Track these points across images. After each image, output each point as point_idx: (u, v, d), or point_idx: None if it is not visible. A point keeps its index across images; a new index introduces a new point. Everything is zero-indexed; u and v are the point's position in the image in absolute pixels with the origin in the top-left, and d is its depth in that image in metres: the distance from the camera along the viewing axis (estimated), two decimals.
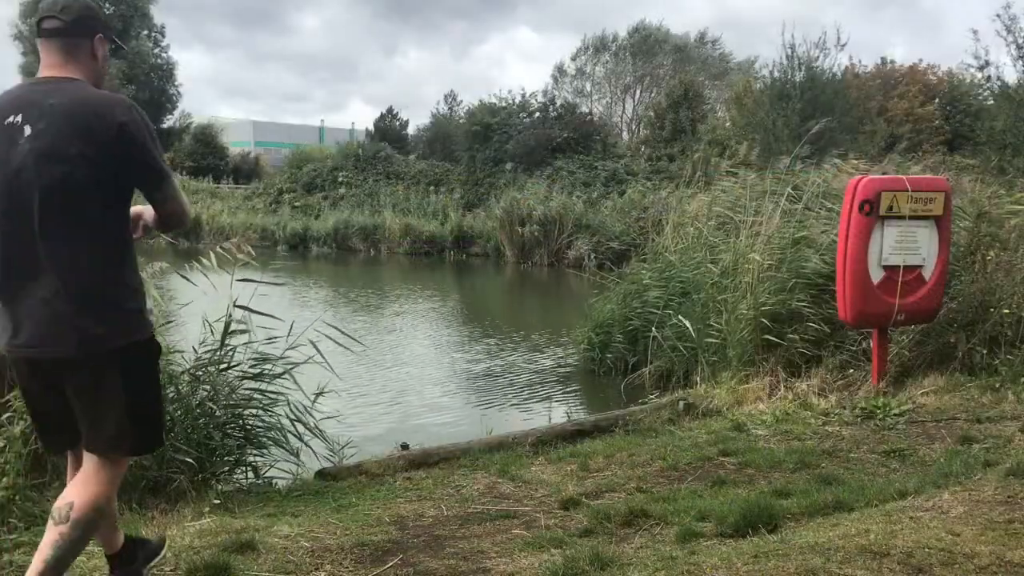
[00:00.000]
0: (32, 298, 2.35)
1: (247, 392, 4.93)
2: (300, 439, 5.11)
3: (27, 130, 2.31)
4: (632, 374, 8.52)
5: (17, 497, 3.78)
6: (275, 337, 5.13)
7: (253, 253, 5.24)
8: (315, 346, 5.11)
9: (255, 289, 5.10)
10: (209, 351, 4.89)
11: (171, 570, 3.17)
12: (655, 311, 8.47)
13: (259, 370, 4.97)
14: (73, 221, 2.33)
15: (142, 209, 2.58)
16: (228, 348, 4.93)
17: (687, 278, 8.43)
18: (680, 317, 7.94)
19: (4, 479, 3.78)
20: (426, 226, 26.32)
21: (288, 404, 5.02)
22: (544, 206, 22.67)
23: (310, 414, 5.12)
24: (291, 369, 5.06)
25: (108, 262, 2.41)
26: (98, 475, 2.45)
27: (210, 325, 4.98)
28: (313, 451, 5.23)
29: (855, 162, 10.87)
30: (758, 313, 7.03)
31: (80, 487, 2.43)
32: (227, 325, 4.88)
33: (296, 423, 5.05)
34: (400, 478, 4.88)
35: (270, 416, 4.96)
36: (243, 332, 4.97)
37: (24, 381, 2.52)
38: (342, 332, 5.35)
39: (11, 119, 2.32)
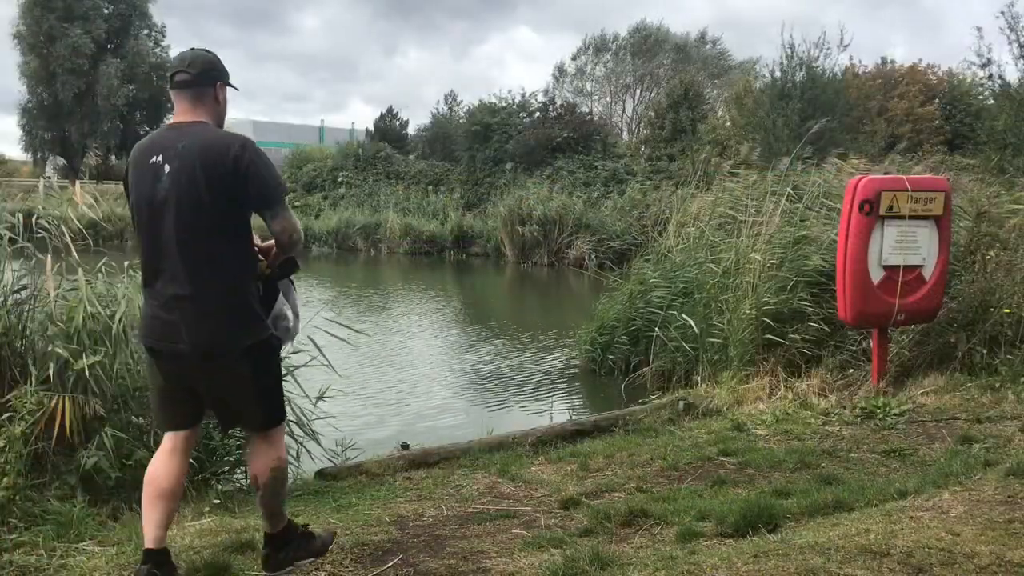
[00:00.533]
0: (175, 304, 2.82)
1: None
2: (298, 442, 5.10)
3: (166, 168, 2.80)
4: (633, 374, 8.52)
5: (17, 497, 3.78)
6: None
7: None
8: (316, 346, 5.09)
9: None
10: None
11: None
12: (657, 311, 8.46)
13: None
14: (205, 240, 2.81)
15: (271, 243, 3.01)
16: None
17: (690, 278, 8.43)
18: (684, 315, 7.92)
19: (4, 479, 3.78)
20: (426, 226, 26.31)
21: (289, 404, 5.00)
22: (544, 206, 22.66)
23: (304, 415, 5.08)
24: (293, 371, 5.03)
25: (233, 274, 2.86)
26: (262, 447, 3.00)
27: None
28: (310, 453, 5.22)
29: (856, 162, 10.85)
30: (760, 313, 7.03)
31: (255, 461, 3.02)
32: None
33: (295, 424, 5.02)
34: (400, 478, 4.88)
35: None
36: None
37: (161, 372, 2.95)
38: (344, 325, 5.32)
39: (153, 159, 2.84)
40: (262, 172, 2.85)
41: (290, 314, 3.10)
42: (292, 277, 3.14)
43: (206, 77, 2.94)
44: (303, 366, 5.11)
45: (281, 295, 3.07)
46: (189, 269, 2.79)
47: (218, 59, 3.01)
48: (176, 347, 2.83)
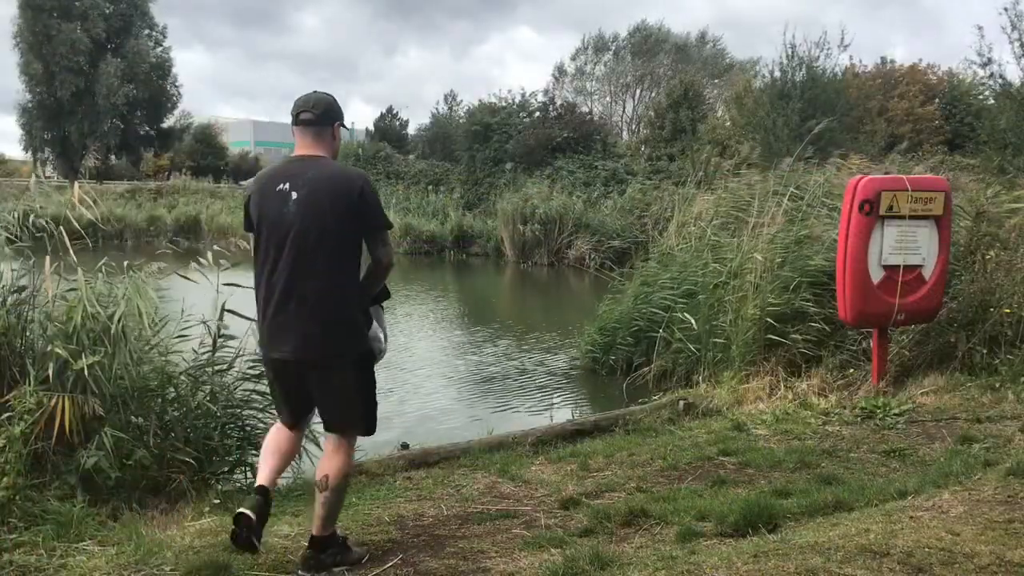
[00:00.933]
0: (296, 319, 3.19)
1: (246, 392, 4.91)
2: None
3: (294, 195, 3.19)
4: (634, 374, 8.51)
5: (17, 497, 3.78)
6: None
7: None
8: None
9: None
10: (207, 352, 4.88)
11: (171, 570, 3.17)
12: (660, 312, 8.46)
13: (258, 371, 4.94)
14: (326, 262, 3.19)
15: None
16: (223, 349, 4.90)
17: (694, 279, 8.42)
18: (687, 315, 7.91)
19: (4, 479, 3.79)
20: (426, 226, 26.31)
21: None
22: (546, 205, 22.66)
23: None
24: None
25: (345, 292, 3.25)
26: (339, 451, 3.32)
27: (207, 327, 4.95)
28: (309, 454, 5.20)
29: (857, 161, 10.84)
30: (764, 313, 7.03)
31: (328, 462, 3.30)
32: (218, 329, 4.85)
33: None
34: (400, 478, 4.88)
35: (272, 417, 4.92)
36: (232, 338, 4.93)
37: (279, 376, 3.39)
38: None
39: (281, 187, 3.22)
40: (376, 205, 3.28)
41: (382, 336, 3.48)
42: (383, 304, 3.55)
43: (326, 117, 3.34)
44: None
45: (373, 319, 3.44)
46: (307, 285, 3.19)
47: (336, 102, 3.40)
48: (292, 354, 3.24)
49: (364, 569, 3.27)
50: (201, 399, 4.65)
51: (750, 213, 8.25)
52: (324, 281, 3.19)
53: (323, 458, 3.35)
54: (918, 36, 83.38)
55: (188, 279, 5.19)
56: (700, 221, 9.38)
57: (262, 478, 3.33)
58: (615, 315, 9.15)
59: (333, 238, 3.20)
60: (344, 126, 3.45)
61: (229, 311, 4.92)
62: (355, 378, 3.31)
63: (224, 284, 4.92)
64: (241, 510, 3.14)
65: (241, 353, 4.94)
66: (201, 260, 5.18)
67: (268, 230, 3.23)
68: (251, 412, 4.92)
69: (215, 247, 5.27)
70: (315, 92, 3.36)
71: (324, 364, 3.25)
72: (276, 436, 3.47)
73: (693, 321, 7.80)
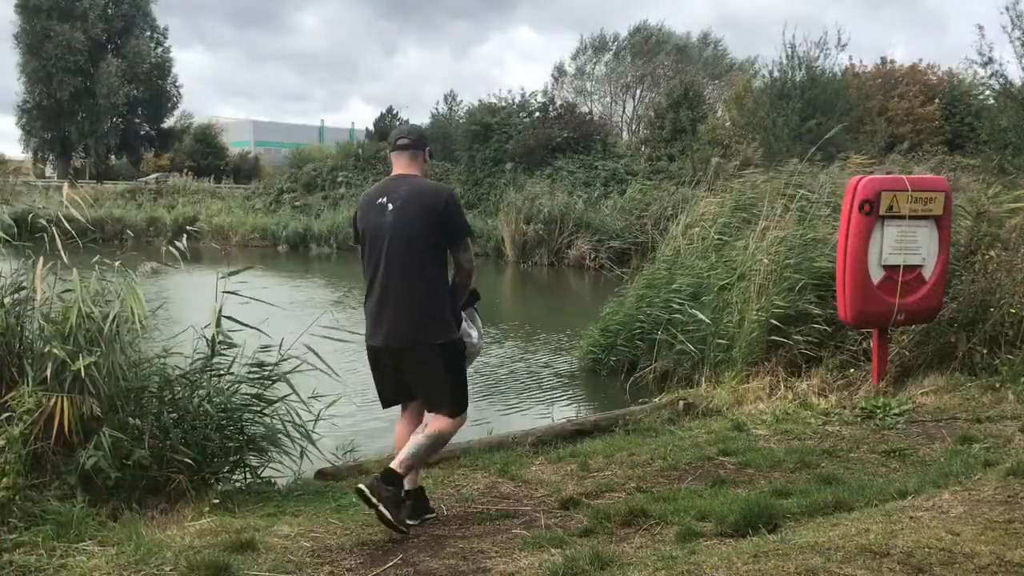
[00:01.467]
0: (391, 311, 3.74)
1: (246, 396, 4.86)
2: (292, 442, 5.04)
3: (390, 207, 3.75)
4: (635, 374, 8.50)
5: (17, 497, 3.78)
6: (268, 346, 5.05)
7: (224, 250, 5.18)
8: (311, 348, 5.03)
9: (268, 288, 5.06)
10: (201, 357, 4.82)
11: (171, 569, 3.17)
12: (662, 314, 8.44)
13: (257, 375, 4.90)
14: (416, 263, 3.72)
15: None
16: (221, 355, 4.83)
17: (699, 280, 8.40)
18: (698, 312, 7.88)
19: (4, 479, 3.78)
20: None
21: (288, 411, 4.95)
22: (551, 204, 22.66)
23: (298, 414, 5.01)
24: (287, 374, 4.95)
25: (435, 291, 3.77)
26: (439, 420, 3.78)
27: (202, 331, 4.89)
28: (308, 455, 5.18)
29: (861, 160, 10.83)
30: (769, 315, 7.03)
31: (435, 421, 3.78)
32: (215, 336, 4.77)
33: (290, 426, 4.95)
34: None
35: (273, 420, 4.89)
36: (234, 345, 4.86)
37: (377, 362, 3.89)
38: (338, 329, 5.30)
39: (380, 200, 3.81)
40: (459, 216, 3.83)
41: (474, 334, 3.97)
42: (477, 305, 4.07)
43: (420, 144, 3.98)
44: (297, 370, 5.02)
45: (466, 319, 3.95)
46: (401, 283, 3.72)
47: (425, 131, 4.23)
48: (385, 342, 3.76)
49: (364, 569, 3.27)
50: (197, 402, 4.62)
51: (756, 214, 8.24)
52: (413, 280, 3.72)
53: (430, 418, 3.85)
54: (919, 36, 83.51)
55: (174, 266, 5.08)
56: (705, 222, 9.35)
57: (396, 463, 3.72)
58: (620, 316, 9.14)
59: (421, 243, 3.71)
60: (431, 154, 4.08)
61: (228, 318, 4.83)
62: (441, 365, 3.76)
63: (224, 292, 4.84)
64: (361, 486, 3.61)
65: (238, 358, 4.89)
66: (173, 248, 5.05)
67: (370, 238, 3.80)
68: (250, 416, 4.88)
69: (180, 243, 5.10)
70: (409, 123, 4.35)
71: (413, 352, 3.76)
72: (401, 431, 3.97)
73: (706, 318, 7.73)
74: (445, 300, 3.80)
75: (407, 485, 3.77)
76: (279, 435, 4.84)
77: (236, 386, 4.83)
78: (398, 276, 3.71)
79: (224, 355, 4.84)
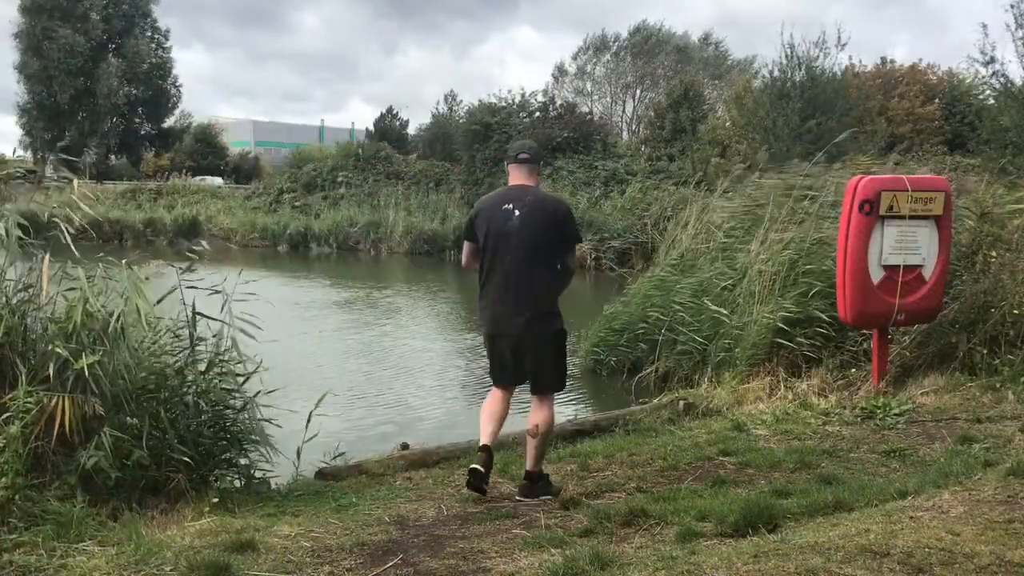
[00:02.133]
0: (512, 304, 4.29)
1: (237, 394, 4.82)
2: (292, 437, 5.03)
3: (516, 212, 4.30)
4: (638, 374, 8.48)
5: (17, 497, 3.77)
6: (275, 340, 5.04)
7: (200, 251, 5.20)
8: (310, 349, 5.03)
9: (272, 288, 5.03)
10: (185, 351, 4.79)
11: (171, 569, 3.17)
12: (666, 316, 8.43)
13: (224, 371, 4.85)
14: (538, 262, 4.29)
15: None
16: (199, 350, 4.80)
17: (705, 281, 8.39)
18: (715, 307, 7.84)
19: (4, 479, 3.78)
20: (427, 226, 26.29)
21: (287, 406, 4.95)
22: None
23: (276, 411, 4.95)
24: (259, 369, 4.88)
25: (549, 287, 4.36)
26: (543, 405, 4.36)
27: (174, 327, 4.84)
28: (307, 452, 5.18)
29: (871, 161, 10.79)
30: (776, 318, 7.02)
31: (537, 414, 4.34)
32: (193, 320, 4.74)
33: (280, 424, 4.92)
34: (400, 478, 4.88)
35: (262, 418, 4.85)
36: (202, 339, 4.84)
37: (497, 351, 4.45)
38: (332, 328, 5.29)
39: (506, 206, 4.35)
40: (573, 224, 4.44)
41: None
42: None
43: (536, 159, 4.58)
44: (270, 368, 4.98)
45: None
46: (525, 279, 4.27)
47: (540, 148, 4.96)
48: (508, 332, 4.33)
49: (364, 569, 3.27)
50: (191, 399, 4.60)
51: (763, 217, 8.22)
52: (534, 277, 4.28)
53: (532, 412, 4.37)
54: (920, 35, 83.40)
55: (180, 265, 5.06)
56: (713, 224, 9.33)
57: (484, 439, 4.25)
58: (624, 317, 9.12)
59: (543, 246, 4.28)
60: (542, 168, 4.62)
61: (199, 314, 4.78)
62: (553, 351, 4.37)
63: (187, 287, 4.77)
64: (472, 466, 4.17)
65: (218, 354, 4.84)
66: (190, 252, 5.07)
67: (494, 239, 4.31)
68: (229, 413, 4.82)
69: (198, 245, 5.11)
70: (527, 140, 4.76)
71: (532, 339, 4.31)
72: (491, 403, 4.42)
73: (725, 316, 7.69)
74: (555, 294, 4.39)
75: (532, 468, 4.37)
76: (261, 432, 4.77)
77: (216, 378, 4.78)
78: (522, 273, 4.26)
79: (199, 349, 4.79)
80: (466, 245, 4.49)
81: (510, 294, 4.27)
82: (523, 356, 4.33)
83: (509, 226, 4.26)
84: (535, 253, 4.25)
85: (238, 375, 4.82)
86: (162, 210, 31.54)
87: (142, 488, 4.23)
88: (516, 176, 4.47)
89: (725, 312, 7.71)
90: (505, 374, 4.43)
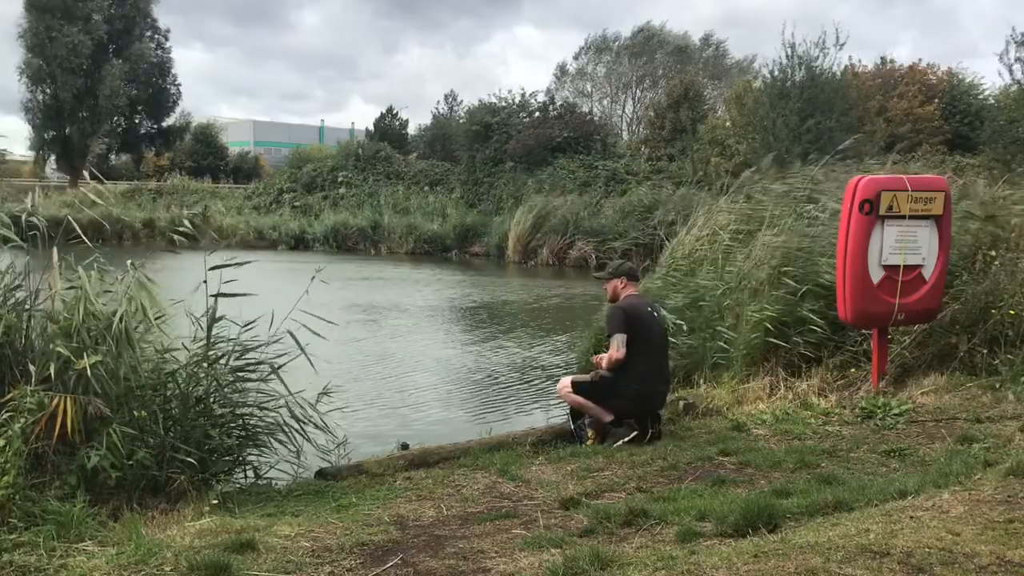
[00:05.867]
0: (662, 384, 5.84)
1: (247, 389, 4.86)
2: (294, 435, 5.04)
3: (655, 315, 5.92)
4: None
5: (17, 497, 3.77)
6: (273, 339, 5.05)
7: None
8: (296, 340, 5.02)
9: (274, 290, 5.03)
10: (201, 346, 4.80)
11: (171, 569, 3.17)
12: (668, 317, 8.40)
13: (245, 364, 4.87)
14: (666, 351, 6.03)
15: (600, 356, 5.88)
16: (217, 343, 4.83)
17: (703, 285, 8.37)
18: (724, 330, 7.84)
19: (4, 479, 3.78)
20: (427, 226, 26.30)
21: (286, 404, 4.96)
22: (565, 208, 22.75)
23: (293, 408, 5.00)
24: (279, 367, 4.95)
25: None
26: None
27: (196, 320, 4.88)
28: (304, 453, 5.18)
29: (872, 163, 10.77)
30: (764, 318, 7.00)
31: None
32: (211, 320, 4.76)
33: (290, 419, 4.95)
34: (400, 478, 4.88)
35: (273, 414, 4.89)
36: (229, 341, 4.86)
37: (643, 413, 5.62)
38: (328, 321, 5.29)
39: (648, 309, 5.90)
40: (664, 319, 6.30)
41: None
42: None
43: (637, 275, 6.30)
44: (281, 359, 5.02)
45: None
46: (665, 363, 5.93)
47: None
48: (659, 401, 5.77)
49: (364, 569, 3.27)
50: (198, 396, 4.61)
51: (767, 217, 8.21)
52: (667, 363, 5.96)
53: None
54: (928, 34, 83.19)
55: (171, 249, 5.10)
56: (716, 228, 9.31)
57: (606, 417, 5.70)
58: None
59: (665, 339, 6.03)
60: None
61: (223, 294, 4.81)
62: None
63: (210, 269, 4.82)
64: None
65: (236, 348, 4.87)
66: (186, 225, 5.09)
67: (647, 333, 5.66)
68: (248, 410, 4.86)
69: (189, 222, 5.14)
70: (632, 261, 6.27)
71: (663, 406, 5.85)
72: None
73: (728, 331, 7.67)
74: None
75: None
76: (279, 429, 4.82)
77: (231, 375, 4.80)
78: (664, 358, 5.89)
79: (218, 344, 4.82)
80: (623, 336, 5.57)
81: (661, 375, 5.83)
82: (654, 412, 5.74)
83: (653, 324, 5.79)
84: (666, 343, 6.05)
85: (267, 374, 4.84)
86: (162, 210, 31.56)
87: (142, 488, 4.24)
88: (633, 287, 6.01)
89: (726, 330, 7.70)
90: (640, 423, 5.62)
